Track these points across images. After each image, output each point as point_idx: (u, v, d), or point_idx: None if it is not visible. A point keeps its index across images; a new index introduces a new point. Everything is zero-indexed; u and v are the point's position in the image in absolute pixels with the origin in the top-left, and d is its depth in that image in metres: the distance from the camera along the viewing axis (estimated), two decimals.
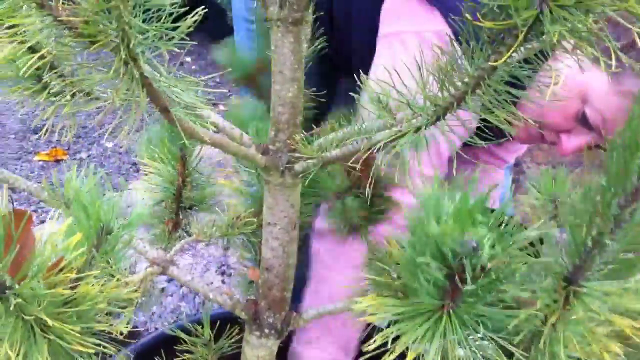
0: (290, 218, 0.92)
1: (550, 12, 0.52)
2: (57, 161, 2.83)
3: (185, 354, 1.00)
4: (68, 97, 0.82)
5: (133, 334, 1.85)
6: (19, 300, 0.60)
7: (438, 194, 0.55)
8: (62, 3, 0.52)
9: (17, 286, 0.60)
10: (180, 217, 1.07)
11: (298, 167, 0.87)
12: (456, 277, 0.56)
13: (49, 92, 0.80)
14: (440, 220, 0.54)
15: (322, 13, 1.07)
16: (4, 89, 0.84)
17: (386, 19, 1.26)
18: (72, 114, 0.87)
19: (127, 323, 1.05)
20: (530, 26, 0.52)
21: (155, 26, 0.55)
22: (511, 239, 0.56)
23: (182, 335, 0.99)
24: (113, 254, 0.69)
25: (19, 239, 0.62)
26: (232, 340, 1.03)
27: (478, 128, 0.81)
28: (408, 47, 1.17)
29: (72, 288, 0.67)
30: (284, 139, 0.86)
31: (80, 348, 0.68)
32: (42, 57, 0.68)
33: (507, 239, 0.55)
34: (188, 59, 4.03)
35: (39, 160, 2.82)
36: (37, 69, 0.78)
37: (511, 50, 0.53)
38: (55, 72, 0.78)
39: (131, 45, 0.55)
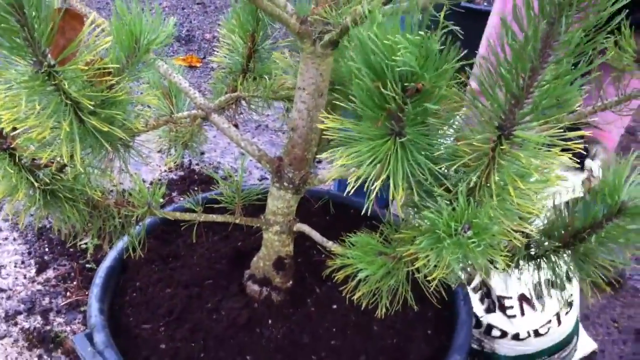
0: (318, 86, 1.04)
1: None
2: (192, 67, 3.11)
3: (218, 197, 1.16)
4: None
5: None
6: (61, 78, 0.77)
7: (377, 12, 0.64)
8: None
9: (59, 67, 0.77)
10: (241, 85, 1.22)
11: (327, 36, 0.98)
12: (387, 89, 0.64)
13: None
14: (371, 30, 0.63)
15: None
16: None
17: None
18: None
19: (177, 158, 1.23)
20: None
21: None
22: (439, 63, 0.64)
23: (217, 177, 1.14)
24: (144, 66, 0.85)
25: (67, 32, 0.79)
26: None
27: None
28: None
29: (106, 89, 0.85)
30: (321, 12, 0.98)
31: (119, 133, 0.84)
32: None
33: (432, 62, 0.63)
34: None
35: (175, 64, 3.13)
36: None
37: None
38: None
39: None
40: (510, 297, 1.53)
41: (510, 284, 1.51)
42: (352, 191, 0.78)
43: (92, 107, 0.80)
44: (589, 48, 0.56)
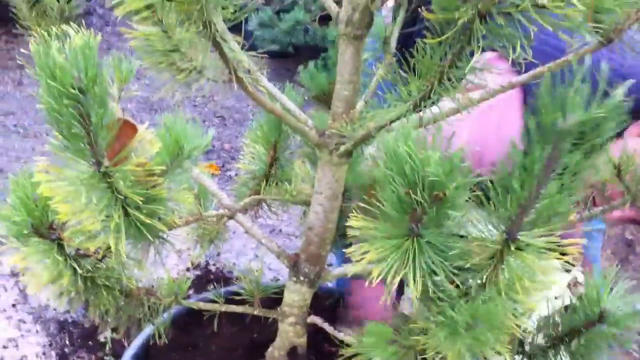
0: (334, 190, 1.16)
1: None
2: (212, 174, 3.28)
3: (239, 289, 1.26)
4: (185, 72, 1.13)
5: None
6: (115, 177, 0.90)
7: (410, 129, 0.77)
8: None
9: (113, 167, 0.90)
10: (263, 188, 1.35)
11: (342, 147, 1.12)
12: (415, 198, 0.76)
13: (171, 64, 1.12)
14: (407, 144, 0.76)
15: None
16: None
17: None
18: (187, 86, 1.15)
19: (202, 254, 1.34)
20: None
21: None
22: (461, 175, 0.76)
23: (238, 273, 1.25)
24: (182, 170, 0.98)
25: (122, 139, 0.93)
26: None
27: None
28: None
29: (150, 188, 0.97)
30: (337, 127, 1.11)
31: (161, 226, 0.96)
32: (169, 37, 1.03)
33: (456, 173, 0.75)
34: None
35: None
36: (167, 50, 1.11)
37: None
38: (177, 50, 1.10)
39: (206, 14, 0.85)
40: None
41: None
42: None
43: (139, 203, 0.92)
44: (586, 168, 0.69)
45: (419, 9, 1.27)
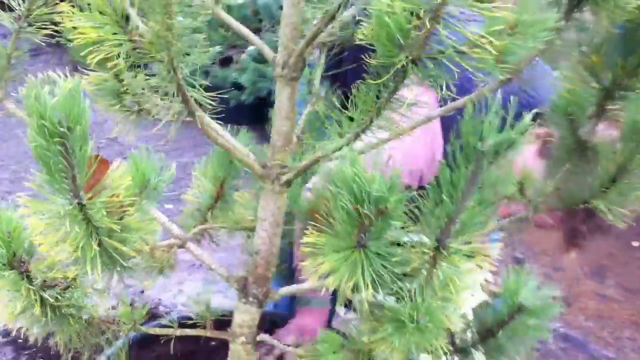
0: (276, 217, 1.29)
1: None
2: None
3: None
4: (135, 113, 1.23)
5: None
6: (90, 209, 0.99)
7: (358, 156, 0.92)
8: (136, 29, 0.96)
9: (88, 201, 0.99)
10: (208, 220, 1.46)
11: (284, 177, 1.25)
12: (363, 211, 0.90)
13: (123, 106, 1.22)
14: (353, 167, 0.90)
15: None
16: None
17: None
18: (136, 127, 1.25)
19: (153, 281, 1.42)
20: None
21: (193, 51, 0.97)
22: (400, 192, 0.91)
23: (194, 299, 1.35)
24: (149, 201, 1.08)
25: (96, 174, 1.02)
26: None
27: None
28: None
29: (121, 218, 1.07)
30: (277, 159, 1.25)
31: (131, 252, 1.05)
32: (121, 81, 1.14)
33: (395, 189, 0.90)
34: None
35: None
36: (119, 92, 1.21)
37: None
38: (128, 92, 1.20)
39: (174, 61, 0.97)
40: None
41: None
42: None
43: (116, 231, 1.01)
44: (503, 184, 0.86)
45: (344, 52, 1.45)
